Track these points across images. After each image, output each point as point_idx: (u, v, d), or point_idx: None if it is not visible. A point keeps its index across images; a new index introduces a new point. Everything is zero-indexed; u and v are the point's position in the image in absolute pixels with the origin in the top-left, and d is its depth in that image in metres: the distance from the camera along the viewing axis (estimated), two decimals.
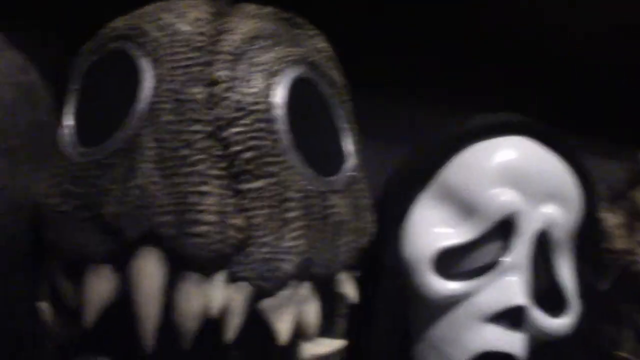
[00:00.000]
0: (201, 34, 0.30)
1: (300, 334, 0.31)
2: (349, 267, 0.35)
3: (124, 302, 0.28)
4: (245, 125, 0.29)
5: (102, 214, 0.29)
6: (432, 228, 0.41)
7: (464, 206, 0.41)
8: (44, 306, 0.31)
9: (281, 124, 0.30)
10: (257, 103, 0.30)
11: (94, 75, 0.32)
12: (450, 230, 0.41)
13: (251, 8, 0.35)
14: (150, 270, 0.27)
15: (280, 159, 0.30)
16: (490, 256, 0.41)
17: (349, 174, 0.35)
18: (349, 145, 0.36)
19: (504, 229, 0.40)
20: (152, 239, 0.28)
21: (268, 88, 0.30)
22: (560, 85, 0.70)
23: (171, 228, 0.27)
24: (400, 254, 0.41)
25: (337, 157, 0.34)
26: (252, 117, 0.30)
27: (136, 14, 0.33)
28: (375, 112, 0.61)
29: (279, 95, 0.31)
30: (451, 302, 0.40)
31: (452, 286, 0.40)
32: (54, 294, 0.31)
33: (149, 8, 0.33)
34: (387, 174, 0.49)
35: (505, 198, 0.40)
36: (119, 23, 0.33)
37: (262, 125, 0.30)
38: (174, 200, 0.28)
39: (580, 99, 0.71)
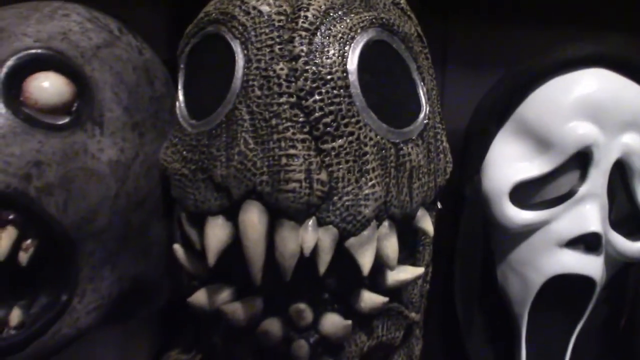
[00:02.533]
0: (280, 13, 0.35)
1: (382, 264, 0.37)
2: (426, 204, 0.39)
3: (237, 245, 0.35)
4: (323, 94, 0.34)
5: (213, 176, 0.35)
6: (510, 162, 0.44)
7: (540, 141, 0.43)
8: (178, 248, 0.39)
9: (355, 88, 0.35)
10: (332, 73, 0.34)
11: (197, 56, 0.38)
12: (527, 164, 0.43)
13: None
14: (253, 220, 0.34)
15: (356, 119, 0.35)
16: (567, 186, 0.43)
17: (424, 122, 0.38)
18: (423, 95, 0.39)
19: (580, 160, 0.42)
20: (254, 195, 0.34)
21: (341, 57, 0.34)
22: None
23: (268, 186, 0.33)
24: (481, 187, 0.45)
25: (412, 109, 0.38)
26: (328, 86, 0.34)
27: None
28: (470, 37, 0.61)
29: (352, 62, 0.35)
30: (528, 230, 0.44)
31: (528, 215, 0.43)
32: (184, 237, 0.39)
33: None
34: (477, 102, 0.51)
35: (581, 131, 0.42)
36: (212, 7, 0.38)
37: (337, 92, 0.34)
38: (268, 163, 0.33)
39: None
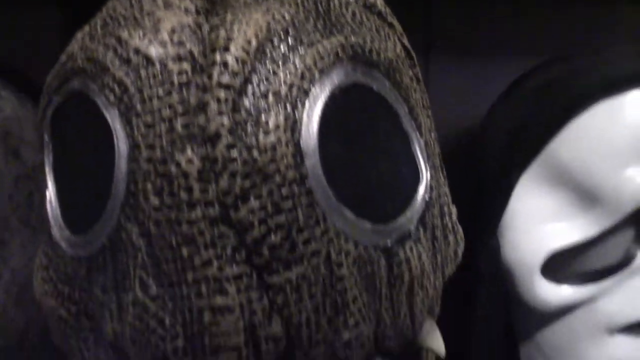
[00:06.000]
0: (181, 58, 0.21)
1: None
2: (433, 312, 0.27)
3: None
4: (263, 196, 0.20)
5: (103, 330, 0.22)
6: (540, 223, 0.31)
7: (583, 192, 0.31)
8: None
9: (316, 178, 0.21)
10: (275, 159, 0.20)
11: (62, 125, 0.24)
12: (565, 225, 0.31)
13: None
14: None
15: (321, 229, 0.21)
16: (619, 253, 0.31)
17: (425, 198, 0.25)
18: (420, 151, 0.26)
19: (638, 218, 0.30)
20: None
21: (291, 129, 0.21)
22: None
23: (186, 357, 0.20)
24: (501, 255, 0.32)
25: (407, 182, 0.25)
26: (273, 181, 0.21)
27: (94, 28, 0.23)
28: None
29: (309, 134, 0.21)
30: (568, 310, 0.32)
31: (567, 292, 0.31)
32: None
33: (110, 9, 0.24)
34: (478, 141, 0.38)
35: None
36: (76, 47, 0.23)
37: (288, 190, 0.21)
38: (183, 320, 0.20)
39: None
